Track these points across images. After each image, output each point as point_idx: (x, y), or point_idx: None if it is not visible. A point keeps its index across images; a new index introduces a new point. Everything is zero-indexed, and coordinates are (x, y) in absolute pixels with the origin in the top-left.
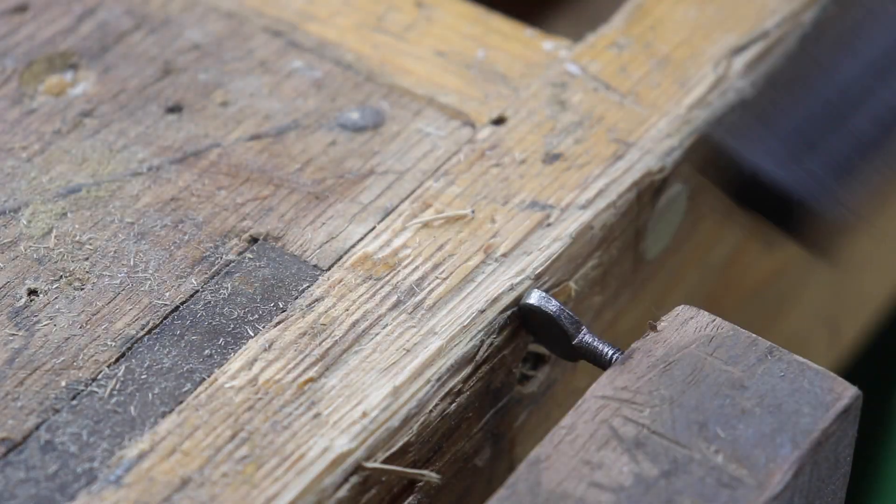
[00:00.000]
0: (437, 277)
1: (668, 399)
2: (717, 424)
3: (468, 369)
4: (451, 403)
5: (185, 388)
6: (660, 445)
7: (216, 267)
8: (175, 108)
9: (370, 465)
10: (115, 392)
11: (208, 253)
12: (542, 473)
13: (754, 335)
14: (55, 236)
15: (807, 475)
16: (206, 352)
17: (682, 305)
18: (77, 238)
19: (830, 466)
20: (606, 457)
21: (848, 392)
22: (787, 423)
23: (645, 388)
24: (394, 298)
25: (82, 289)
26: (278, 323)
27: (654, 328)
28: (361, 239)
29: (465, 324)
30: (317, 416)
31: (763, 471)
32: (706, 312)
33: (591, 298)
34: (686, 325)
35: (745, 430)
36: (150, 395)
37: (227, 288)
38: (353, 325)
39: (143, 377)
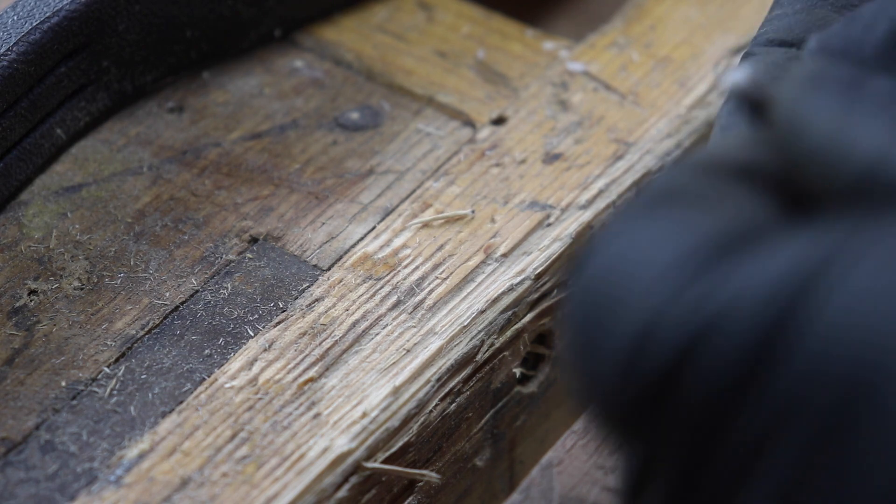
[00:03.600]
0: (437, 277)
1: None
2: None
3: (468, 369)
4: (451, 403)
5: (185, 388)
6: None
7: (216, 267)
8: (175, 108)
9: (370, 465)
10: (115, 392)
11: (208, 253)
12: (556, 478)
13: None
14: (55, 236)
15: None
16: (206, 352)
17: None
18: (77, 238)
19: None
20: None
21: None
22: None
23: None
24: (394, 298)
25: (82, 289)
26: (278, 323)
27: None
28: (361, 239)
29: (465, 324)
30: (317, 416)
31: None
32: None
33: None
34: None
35: None
36: (150, 394)
37: (227, 288)
38: (353, 325)
39: (143, 377)
